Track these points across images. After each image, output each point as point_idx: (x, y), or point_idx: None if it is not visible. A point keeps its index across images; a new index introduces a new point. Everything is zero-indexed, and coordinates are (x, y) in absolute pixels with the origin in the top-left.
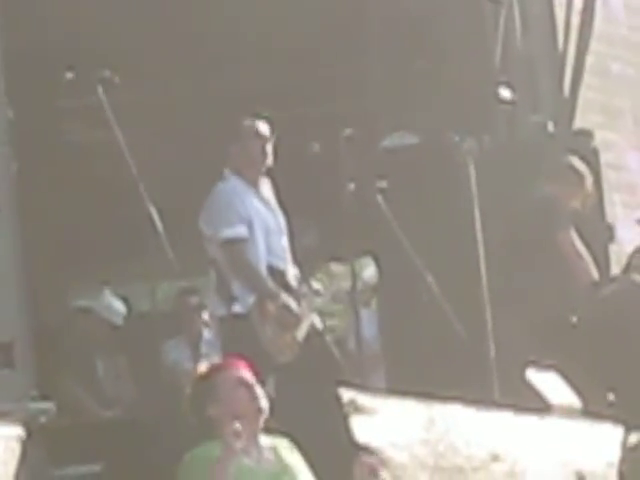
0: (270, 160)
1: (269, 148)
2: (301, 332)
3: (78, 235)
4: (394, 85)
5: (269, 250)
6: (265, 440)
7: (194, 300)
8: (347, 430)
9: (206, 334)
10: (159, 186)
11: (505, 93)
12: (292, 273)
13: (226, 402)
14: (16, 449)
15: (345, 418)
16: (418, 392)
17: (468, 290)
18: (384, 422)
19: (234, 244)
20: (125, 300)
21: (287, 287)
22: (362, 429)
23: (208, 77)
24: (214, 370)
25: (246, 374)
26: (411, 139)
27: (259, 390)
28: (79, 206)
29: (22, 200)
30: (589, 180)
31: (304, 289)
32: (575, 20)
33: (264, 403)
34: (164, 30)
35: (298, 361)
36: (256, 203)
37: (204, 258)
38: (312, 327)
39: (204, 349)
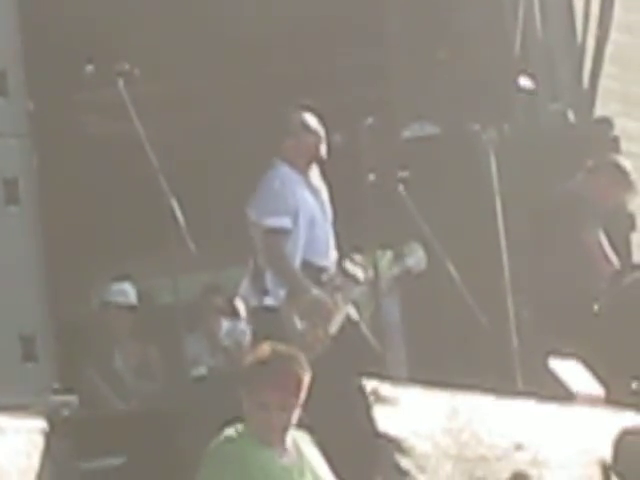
0: (324, 151)
1: (320, 138)
2: (334, 326)
3: (99, 228)
4: (415, 75)
5: (310, 244)
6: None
7: (217, 300)
8: (370, 420)
9: (227, 326)
10: (180, 179)
11: (525, 82)
12: (332, 263)
13: (282, 390)
14: (39, 442)
15: (368, 408)
16: (441, 382)
17: (490, 279)
18: (407, 412)
19: (276, 234)
20: (147, 293)
21: (320, 282)
22: (385, 419)
23: (227, 69)
24: (276, 356)
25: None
26: (432, 129)
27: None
28: (100, 199)
29: (43, 193)
30: (635, 183)
31: (339, 281)
32: (594, 9)
33: (303, 397)
34: (183, 22)
35: (331, 353)
36: (305, 194)
37: (226, 251)
38: (347, 318)
39: (226, 341)
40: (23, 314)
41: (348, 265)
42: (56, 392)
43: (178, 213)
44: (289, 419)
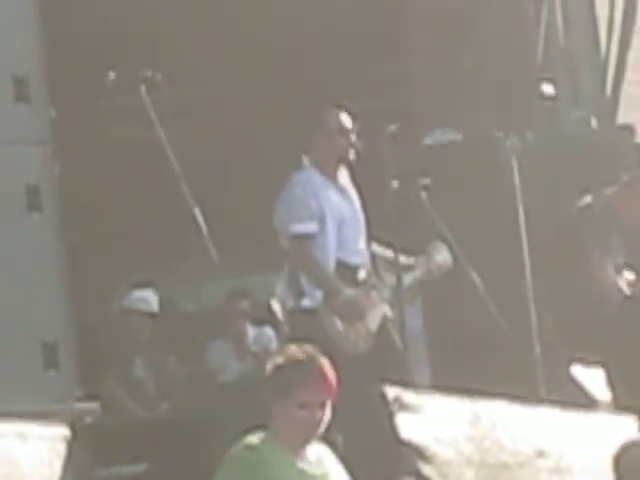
0: (352, 152)
1: (352, 140)
2: (374, 323)
3: (121, 235)
4: (438, 82)
5: (341, 244)
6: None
7: (244, 304)
8: (392, 427)
9: (254, 332)
10: (202, 185)
11: (548, 89)
12: (366, 261)
13: (321, 388)
14: (61, 449)
15: (390, 415)
16: (463, 389)
17: (512, 286)
18: (429, 419)
19: (303, 240)
20: (169, 300)
21: (356, 280)
22: (408, 426)
23: (250, 75)
24: (308, 356)
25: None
26: (454, 136)
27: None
28: (122, 206)
29: (65, 200)
30: None
31: (374, 280)
32: (617, 16)
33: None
34: (205, 29)
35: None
36: (332, 195)
37: (248, 258)
38: (386, 318)
39: (254, 347)
40: (45, 321)
41: (380, 265)
42: (78, 399)
43: (200, 220)
44: (326, 417)
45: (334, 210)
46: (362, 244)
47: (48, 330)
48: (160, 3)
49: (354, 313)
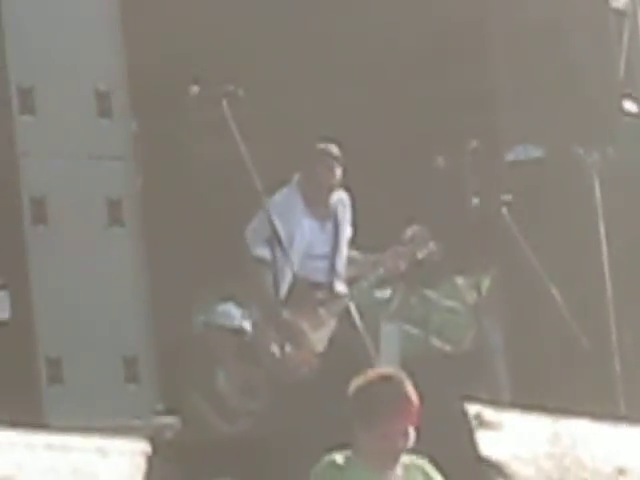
0: (336, 181)
1: (337, 175)
2: (319, 343)
3: (203, 249)
4: (519, 98)
5: (306, 262)
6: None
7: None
8: (473, 444)
9: None
10: None
11: (629, 105)
12: (334, 281)
13: (401, 418)
14: (142, 464)
15: (471, 432)
16: (543, 406)
17: (593, 304)
18: (509, 436)
19: (257, 263)
20: (251, 315)
21: (314, 296)
22: (488, 443)
23: (331, 91)
24: (387, 383)
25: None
26: (536, 152)
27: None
28: (204, 220)
29: (146, 215)
30: None
31: (321, 295)
32: None
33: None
34: (288, 45)
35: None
36: (306, 221)
37: None
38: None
39: None
40: (126, 335)
41: (336, 283)
42: (159, 414)
43: (281, 233)
44: (410, 442)
45: (303, 235)
46: (336, 265)
47: (129, 344)
48: (243, 18)
49: (292, 336)
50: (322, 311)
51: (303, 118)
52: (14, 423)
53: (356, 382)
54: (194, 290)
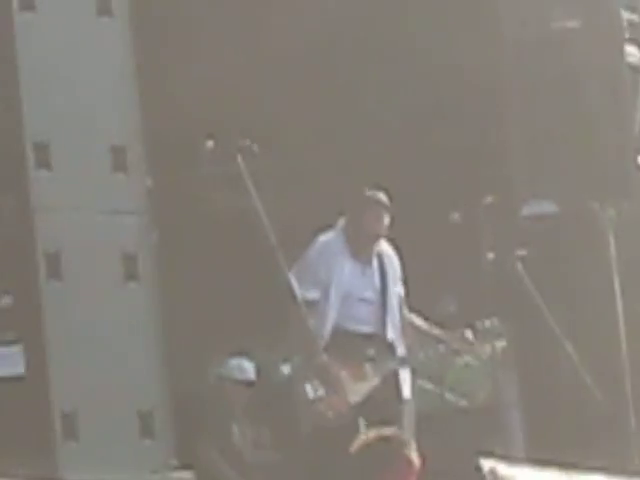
0: (383, 230)
1: (385, 219)
2: (356, 395)
3: (217, 304)
4: (534, 152)
5: (346, 312)
6: None
7: None
8: None
9: None
10: (298, 254)
11: None
12: (382, 332)
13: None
14: None
15: None
16: (558, 461)
17: (608, 359)
18: None
19: (302, 304)
20: (262, 368)
21: (355, 348)
22: None
23: (345, 145)
24: (393, 445)
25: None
26: (550, 207)
27: None
28: (218, 274)
29: (162, 269)
30: None
31: (372, 352)
32: None
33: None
34: (301, 99)
35: None
36: (347, 266)
37: None
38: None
39: None
40: (141, 390)
41: (390, 336)
42: (174, 469)
43: (296, 290)
44: None
45: (343, 281)
46: (390, 320)
47: (144, 399)
48: (257, 73)
49: (328, 380)
50: (368, 367)
51: (318, 172)
52: (29, 478)
53: (357, 441)
54: (209, 344)
